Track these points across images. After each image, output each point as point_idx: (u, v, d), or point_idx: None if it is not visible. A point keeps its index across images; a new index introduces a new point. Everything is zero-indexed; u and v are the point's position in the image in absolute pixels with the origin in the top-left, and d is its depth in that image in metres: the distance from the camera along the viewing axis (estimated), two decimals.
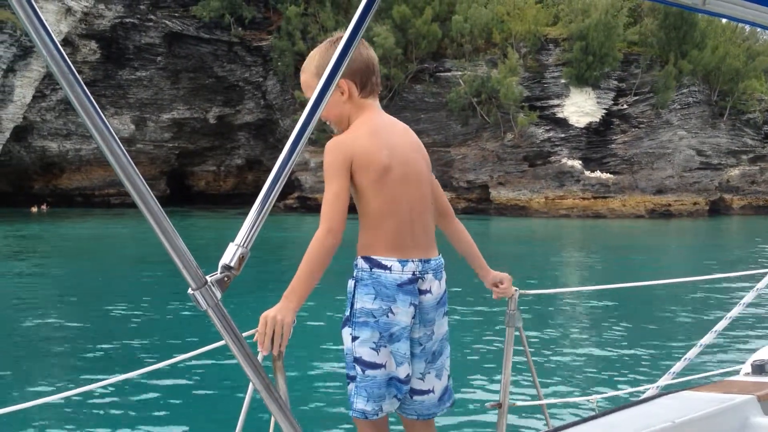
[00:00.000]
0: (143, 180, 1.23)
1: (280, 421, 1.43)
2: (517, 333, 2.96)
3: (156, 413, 6.68)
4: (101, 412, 6.68)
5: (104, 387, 6.92)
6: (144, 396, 7.15)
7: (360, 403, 2.52)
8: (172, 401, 7.02)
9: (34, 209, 45.88)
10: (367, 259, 2.54)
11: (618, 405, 2.06)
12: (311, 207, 45.32)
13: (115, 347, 9.61)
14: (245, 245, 1.39)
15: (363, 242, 2.58)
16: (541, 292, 3.25)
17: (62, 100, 48.46)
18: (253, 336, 2.21)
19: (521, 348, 3.03)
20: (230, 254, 1.38)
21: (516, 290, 2.93)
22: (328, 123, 2.72)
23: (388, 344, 2.51)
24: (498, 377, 3.01)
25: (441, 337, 2.67)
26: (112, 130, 1.19)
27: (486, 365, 7.89)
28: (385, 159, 2.60)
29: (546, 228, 36.65)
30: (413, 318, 2.55)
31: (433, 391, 2.67)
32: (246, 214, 1.42)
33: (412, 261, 2.54)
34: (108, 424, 6.39)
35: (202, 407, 6.87)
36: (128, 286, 15.51)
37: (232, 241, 1.40)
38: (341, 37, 2.53)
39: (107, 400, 7.01)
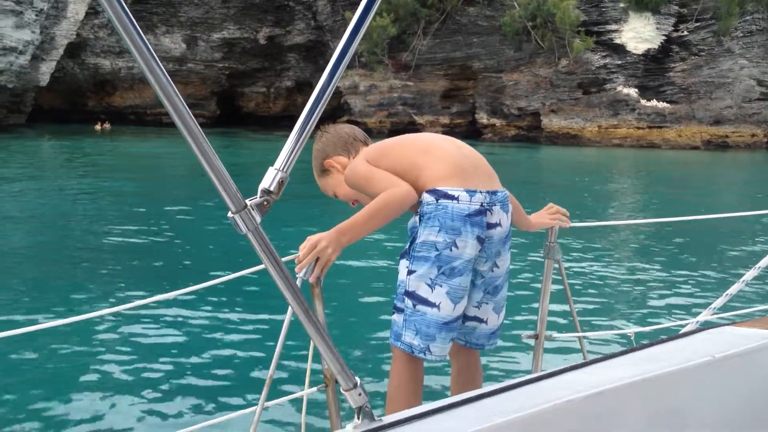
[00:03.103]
0: (183, 100, 1.20)
1: (318, 344, 1.45)
2: (555, 265, 2.95)
3: (195, 333, 6.83)
4: (143, 329, 6.86)
5: (147, 306, 7.11)
6: (185, 315, 7.31)
7: (408, 337, 2.48)
8: (212, 322, 7.16)
9: (98, 127, 46.55)
10: (432, 191, 2.44)
11: (656, 339, 2.05)
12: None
13: (163, 264, 9.88)
14: (285, 170, 1.38)
15: (424, 182, 2.47)
16: (581, 224, 3.22)
17: None
18: (292, 261, 2.22)
19: (560, 279, 3.03)
20: (270, 178, 1.37)
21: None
22: (359, 203, 2.68)
23: (447, 281, 2.44)
24: (536, 309, 3.01)
25: (505, 271, 2.62)
26: (150, 47, 1.16)
27: (523, 296, 7.88)
28: (395, 139, 2.69)
29: (598, 157, 36.07)
30: (480, 252, 2.47)
31: (486, 323, 2.64)
32: None
33: (480, 192, 2.45)
34: (149, 341, 6.57)
35: (242, 329, 6.99)
36: (194, 204, 15.77)
37: (272, 165, 1.39)
38: (327, 127, 2.74)
39: (150, 317, 7.19)
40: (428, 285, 2.44)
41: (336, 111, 48.61)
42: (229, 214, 1.29)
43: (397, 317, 2.53)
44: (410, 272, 2.48)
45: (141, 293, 8.03)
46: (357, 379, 1.48)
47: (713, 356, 1.83)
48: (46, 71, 43.03)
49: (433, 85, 48.98)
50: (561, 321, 6.50)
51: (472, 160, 2.57)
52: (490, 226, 2.48)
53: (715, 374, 1.84)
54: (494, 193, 2.51)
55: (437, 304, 2.44)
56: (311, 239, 2.22)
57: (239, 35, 53.01)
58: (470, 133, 47.29)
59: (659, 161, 34.55)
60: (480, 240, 2.46)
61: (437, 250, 2.42)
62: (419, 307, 2.46)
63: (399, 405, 2.50)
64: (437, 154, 2.52)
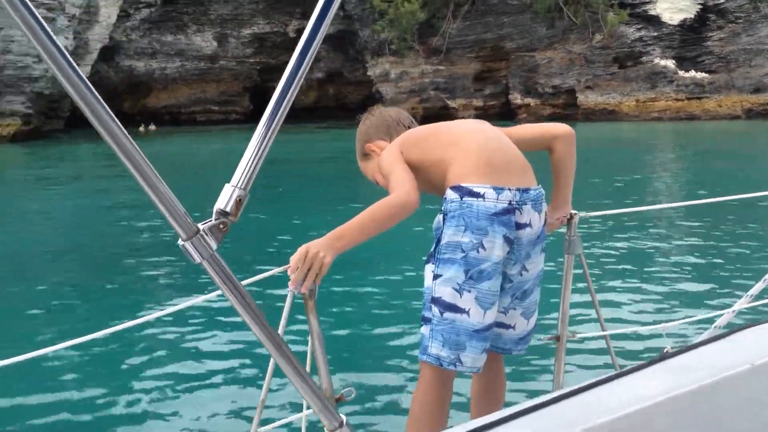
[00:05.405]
0: (118, 122, 1.07)
1: (294, 381, 1.27)
2: (577, 260, 2.75)
3: (182, 355, 6.34)
4: (128, 351, 6.42)
5: (134, 327, 6.92)
6: (170, 336, 6.81)
7: (435, 348, 2.31)
8: (199, 343, 6.64)
9: (142, 129, 46.92)
10: (456, 188, 2.28)
11: (689, 335, 1.86)
12: None
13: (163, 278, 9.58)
14: (243, 186, 1.19)
15: (450, 177, 2.33)
16: (602, 213, 3.00)
17: (146, 19, 49.06)
18: (285, 273, 2.07)
19: (581, 275, 2.83)
20: (225, 197, 1.18)
21: (576, 213, 2.71)
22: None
23: (476, 285, 2.26)
24: (556, 309, 2.83)
25: (535, 275, 2.45)
26: (64, 50, 1.00)
27: (543, 295, 7.36)
28: (430, 127, 2.56)
29: (637, 132, 35.36)
30: (508, 253, 2.30)
31: (514, 328, 2.49)
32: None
33: (509, 189, 2.27)
34: (130, 365, 6.14)
35: (233, 350, 6.45)
36: None
37: (228, 182, 1.20)
38: (374, 109, 2.71)
39: (136, 338, 6.70)
40: (456, 290, 2.27)
41: (367, 100, 48.42)
42: (180, 242, 1.12)
43: (424, 329, 2.36)
44: (436, 276, 2.31)
45: (157, 305, 7.92)
46: (343, 417, 1.33)
47: (752, 364, 1.64)
48: None
49: (465, 68, 48.49)
50: (585, 320, 6.04)
51: (504, 153, 2.38)
52: (519, 226, 2.30)
53: (755, 384, 1.65)
54: (526, 190, 2.33)
55: (466, 310, 2.27)
56: (302, 249, 2.05)
57: (269, 29, 53.13)
58: (504, 114, 46.76)
59: (700, 133, 33.78)
60: (508, 240, 2.28)
61: (463, 251, 2.25)
62: (447, 314, 2.29)
63: (422, 425, 2.35)
64: (465, 147, 2.36)
